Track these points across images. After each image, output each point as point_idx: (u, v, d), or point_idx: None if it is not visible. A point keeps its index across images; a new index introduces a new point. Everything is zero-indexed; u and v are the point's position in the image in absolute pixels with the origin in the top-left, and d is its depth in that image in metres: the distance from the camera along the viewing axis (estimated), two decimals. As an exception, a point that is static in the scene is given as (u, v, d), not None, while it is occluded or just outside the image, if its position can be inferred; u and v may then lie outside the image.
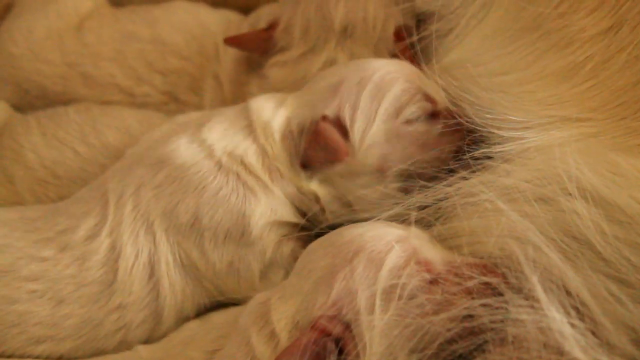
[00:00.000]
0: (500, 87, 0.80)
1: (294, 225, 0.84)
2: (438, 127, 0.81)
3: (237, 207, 0.81)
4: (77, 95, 1.07)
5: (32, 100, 1.08)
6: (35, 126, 0.99)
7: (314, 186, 0.82)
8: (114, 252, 0.81)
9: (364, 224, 0.73)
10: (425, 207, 0.76)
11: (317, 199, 0.83)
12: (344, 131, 0.80)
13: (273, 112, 0.84)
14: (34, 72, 1.08)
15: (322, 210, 0.83)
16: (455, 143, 0.81)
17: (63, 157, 0.97)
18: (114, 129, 0.98)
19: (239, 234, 0.81)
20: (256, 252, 0.82)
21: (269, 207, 0.81)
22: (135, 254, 0.81)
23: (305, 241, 0.81)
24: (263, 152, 0.83)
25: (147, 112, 1.03)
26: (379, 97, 0.81)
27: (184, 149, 0.83)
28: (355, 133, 0.80)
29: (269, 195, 0.82)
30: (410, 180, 0.80)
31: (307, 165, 0.82)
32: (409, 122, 0.81)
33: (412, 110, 0.81)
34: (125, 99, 1.07)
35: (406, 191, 0.80)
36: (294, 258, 0.79)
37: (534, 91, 0.78)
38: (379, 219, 0.76)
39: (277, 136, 0.83)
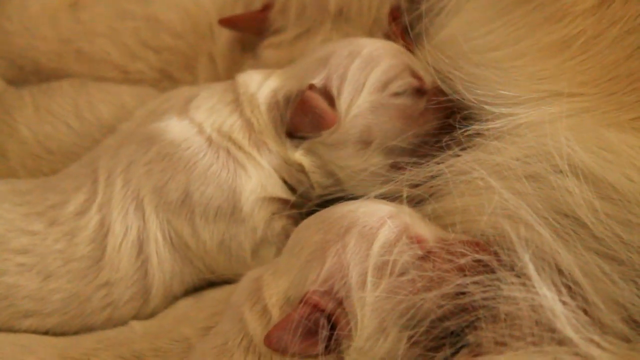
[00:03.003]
0: (491, 62, 0.78)
1: (285, 202, 0.82)
2: (423, 103, 0.80)
3: (227, 184, 0.79)
4: (71, 72, 1.04)
5: (26, 77, 1.06)
6: (29, 100, 0.98)
7: (299, 156, 0.81)
8: (103, 228, 0.79)
9: (356, 200, 0.71)
10: (418, 184, 0.75)
11: (303, 170, 0.81)
12: (330, 100, 0.79)
13: (259, 84, 0.83)
14: (28, 48, 1.06)
15: (311, 185, 0.82)
16: (440, 120, 0.79)
17: (56, 131, 0.95)
18: (108, 104, 0.96)
19: (229, 210, 0.79)
20: (247, 229, 0.80)
21: (259, 183, 0.80)
22: (124, 231, 0.79)
23: (297, 219, 0.80)
24: (249, 127, 0.81)
25: (142, 89, 1.01)
26: (367, 70, 0.80)
27: (174, 126, 0.81)
28: (342, 103, 0.79)
29: (259, 170, 0.80)
30: (398, 156, 0.78)
31: (292, 133, 0.80)
32: (395, 95, 0.80)
33: (398, 84, 0.80)
34: (119, 76, 1.04)
35: (394, 167, 0.78)
36: (286, 235, 0.77)
37: (525, 66, 0.75)
38: (370, 197, 0.74)
39: (263, 107, 0.81)
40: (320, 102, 0.78)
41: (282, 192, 0.81)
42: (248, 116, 0.81)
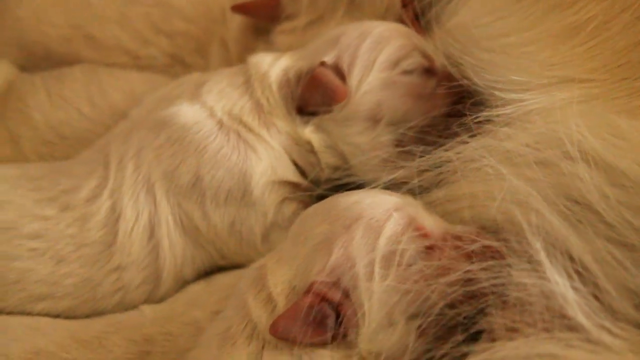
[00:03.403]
0: (502, 48, 0.77)
1: (295, 186, 0.82)
2: (433, 83, 0.80)
3: (238, 166, 0.79)
4: (82, 58, 1.03)
5: (37, 62, 1.05)
6: (40, 86, 0.97)
7: (309, 133, 0.80)
8: (115, 213, 0.79)
9: (361, 191, 0.71)
10: (426, 171, 0.74)
11: (312, 150, 0.81)
12: (341, 77, 0.79)
13: (271, 64, 0.83)
14: (38, 34, 1.05)
15: (321, 167, 0.82)
16: (449, 104, 0.79)
17: (68, 117, 0.94)
18: (119, 90, 0.96)
19: (240, 194, 0.79)
20: (258, 213, 0.80)
21: (270, 165, 0.80)
22: (136, 216, 0.79)
23: (307, 204, 0.78)
24: (259, 108, 0.81)
25: (152, 75, 1.00)
26: (378, 49, 0.80)
27: (186, 111, 0.81)
28: (353, 79, 0.79)
29: (270, 151, 0.80)
30: (406, 140, 0.78)
31: (303, 109, 0.80)
32: (405, 73, 0.80)
33: (409, 62, 0.80)
34: (130, 62, 1.03)
35: (403, 154, 0.78)
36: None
37: (535, 52, 0.75)
38: (379, 185, 0.74)
39: (274, 86, 0.81)
40: (332, 77, 0.78)
41: (292, 176, 0.81)
42: (258, 97, 0.81)
